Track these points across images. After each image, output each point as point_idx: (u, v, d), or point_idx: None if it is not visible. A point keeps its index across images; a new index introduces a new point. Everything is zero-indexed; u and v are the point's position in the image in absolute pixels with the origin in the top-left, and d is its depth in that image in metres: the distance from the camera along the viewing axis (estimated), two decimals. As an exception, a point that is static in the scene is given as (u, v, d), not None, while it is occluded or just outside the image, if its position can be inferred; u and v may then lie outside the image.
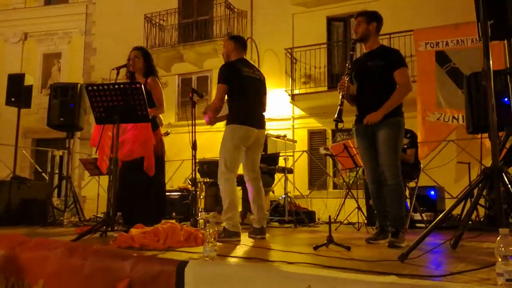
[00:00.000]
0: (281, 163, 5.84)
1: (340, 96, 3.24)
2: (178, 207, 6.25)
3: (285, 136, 5.61)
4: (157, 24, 11.55)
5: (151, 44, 11.26)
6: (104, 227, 3.27)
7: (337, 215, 5.57)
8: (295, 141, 6.76)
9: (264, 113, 3.65)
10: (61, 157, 6.54)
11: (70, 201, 5.50)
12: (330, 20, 10.41)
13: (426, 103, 7.77)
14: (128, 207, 3.80)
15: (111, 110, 3.42)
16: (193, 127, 3.99)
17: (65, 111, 5.34)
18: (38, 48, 14.11)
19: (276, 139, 5.64)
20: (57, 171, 6.47)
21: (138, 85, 3.38)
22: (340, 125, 3.20)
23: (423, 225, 4.75)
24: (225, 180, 3.35)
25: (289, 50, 9.87)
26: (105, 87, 3.36)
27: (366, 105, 3.28)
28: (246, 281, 1.83)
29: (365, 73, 3.30)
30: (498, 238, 1.56)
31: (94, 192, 6.83)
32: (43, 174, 8.04)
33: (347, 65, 3.34)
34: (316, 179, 9.36)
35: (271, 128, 9.13)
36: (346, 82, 3.25)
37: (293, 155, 7.50)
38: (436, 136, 7.43)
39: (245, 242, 3.17)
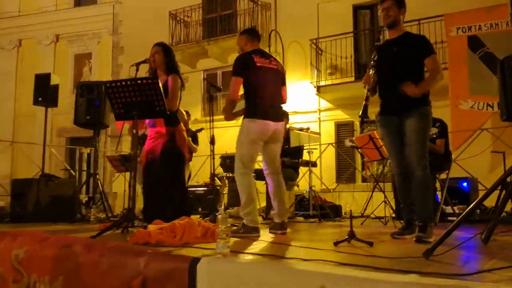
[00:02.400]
0: (305, 156, 5.72)
1: (366, 91, 3.12)
2: (203, 202, 6.28)
3: (308, 128, 5.48)
4: (182, 21, 11.61)
5: (177, 41, 11.33)
6: (126, 223, 3.29)
7: (365, 209, 5.42)
8: (319, 134, 6.61)
9: (282, 105, 3.53)
10: (89, 155, 6.66)
11: (98, 198, 5.60)
12: (356, 8, 10.13)
13: (458, 90, 7.43)
14: (150, 204, 3.81)
15: (129, 106, 3.42)
16: (211, 122, 3.94)
17: (91, 109, 5.46)
18: (69, 49, 14.48)
19: (299, 132, 5.52)
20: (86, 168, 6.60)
21: (154, 80, 3.36)
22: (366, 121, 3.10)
23: (455, 218, 4.53)
24: (241, 175, 3.28)
25: (314, 41, 9.66)
26: (122, 83, 3.36)
27: (393, 94, 3.13)
28: (257, 279, 1.76)
29: (392, 61, 3.14)
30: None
31: (124, 188, 6.92)
32: (71, 171, 8.24)
33: (372, 56, 3.20)
34: (344, 172, 9.16)
35: (296, 121, 9.01)
36: (372, 76, 3.11)
37: (318, 148, 7.36)
38: (469, 125, 7.09)
39: (265, 238, 3.10)
